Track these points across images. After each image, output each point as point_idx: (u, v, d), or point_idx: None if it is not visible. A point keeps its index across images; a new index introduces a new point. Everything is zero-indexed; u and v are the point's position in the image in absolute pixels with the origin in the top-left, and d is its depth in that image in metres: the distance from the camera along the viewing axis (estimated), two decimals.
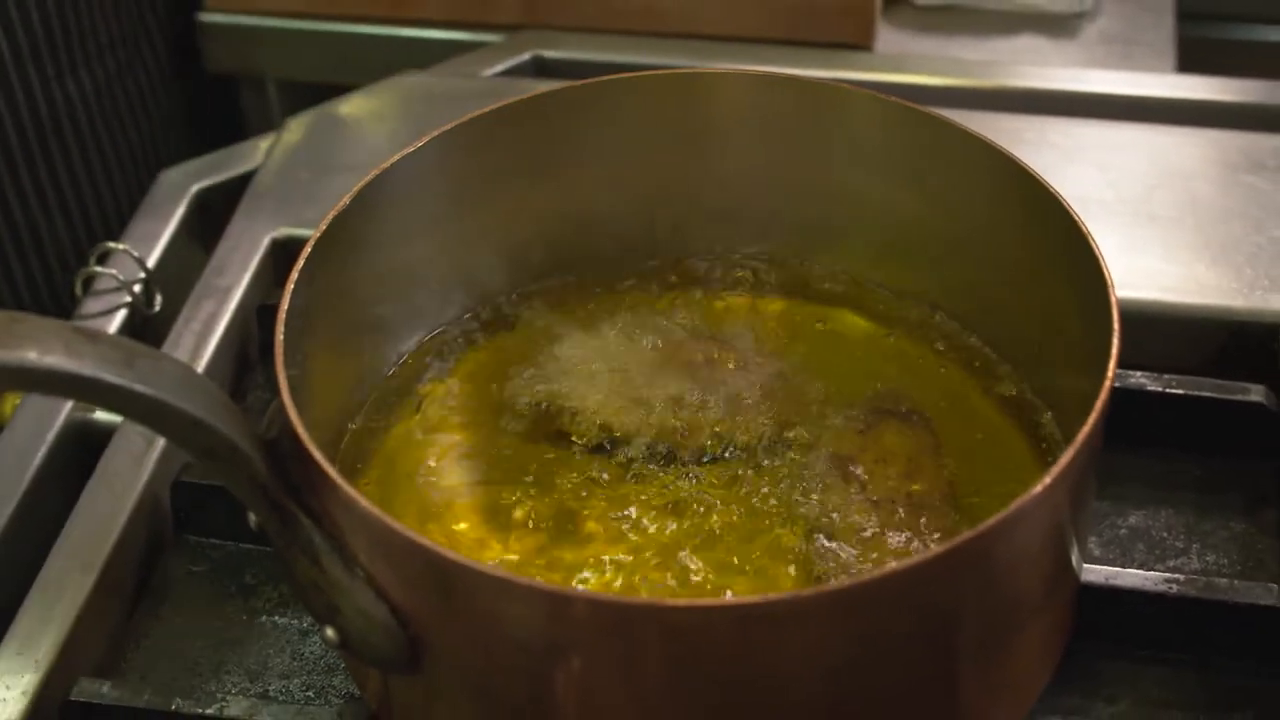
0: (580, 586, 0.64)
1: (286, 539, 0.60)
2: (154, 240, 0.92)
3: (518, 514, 0.68)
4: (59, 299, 1.15)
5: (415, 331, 0.76)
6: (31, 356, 0.52)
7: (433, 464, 0.71)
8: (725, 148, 0.78)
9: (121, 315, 0.86)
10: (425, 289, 0.75)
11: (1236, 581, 0.71)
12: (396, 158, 0.70)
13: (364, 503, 0.56)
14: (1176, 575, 0.70)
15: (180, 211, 0.94)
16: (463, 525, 0.68)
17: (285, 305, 0.63)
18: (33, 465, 0.77)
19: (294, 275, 0.64)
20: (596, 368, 0.73)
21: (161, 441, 0.77)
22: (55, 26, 1.10)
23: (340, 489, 0.56)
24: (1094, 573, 0.70)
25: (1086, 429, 0.57)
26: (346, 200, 0.68)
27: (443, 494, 0.69)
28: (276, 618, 0.73)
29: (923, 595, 0.55)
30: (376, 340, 0.74)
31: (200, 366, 0.82)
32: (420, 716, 0.63)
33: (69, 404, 0.80)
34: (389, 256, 0.72)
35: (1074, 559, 0.64)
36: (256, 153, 0.98)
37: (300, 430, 0.58)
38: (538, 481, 0.69)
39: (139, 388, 0.54)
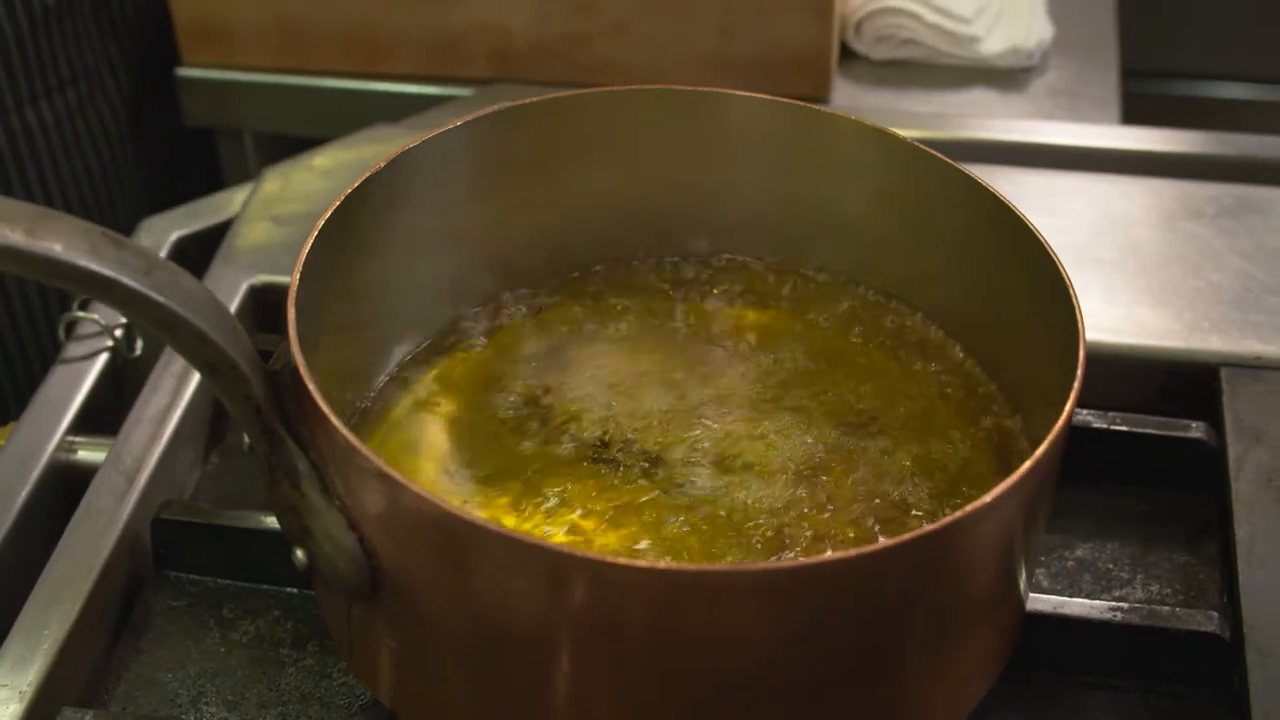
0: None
1: (273, 461, 0.63)
2: None
3: (501, 500, 0.71)
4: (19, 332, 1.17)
5: (416, 326, 0.78)
6: (58, 249, 0.55)
7: (424, 451, 0.73)
8: (721, 163, 0.81)
9: (103, 359, 0.88)
10: (429, 283, 0.78)
11: (1178, 609, 0.73)
12: (415, 142, 0.73)
13: (344, 432, 0.59)
14: (1121, 604, 0.73)
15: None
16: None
17: (305, 252, 0.65)
18: (17, 503, 0.79)
19: (312, 235, 0.67)
20: (588, 368, 0.76)
21: (142, 480, 0.79)
22: (15, 59, 1.12)
23: (326, 417, 0.59)
24: (1042, 602, 0.72)
25: (1043, 448, 0.60)
26: (357, 183, 0.70)
27: (430, 479, 0.72)
28: (254, 650, 0.75)
29: (857, 590, 0.58)
30: (377, 333, 0.76)
31: (180, 408, 0.83)
32: (374, 645, 0.66)
33: (53, 443, 0.82)
34: (397, 247, 0.75)
35: (1021, 580, 0.66)
36: (234, 202, 1.00)
37: (298, 357, 0.60)
38: (522, 473, 0.72)
39: (154, 295, 0.57)
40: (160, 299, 0.57)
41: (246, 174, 1.23)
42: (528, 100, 0.77)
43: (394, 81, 1.22)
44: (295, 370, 0.61)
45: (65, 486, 0.81)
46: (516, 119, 0.77)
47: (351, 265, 0.72)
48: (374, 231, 0.73)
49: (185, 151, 1.31)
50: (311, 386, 0.60)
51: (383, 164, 0.71)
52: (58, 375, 0.87)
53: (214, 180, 1.28)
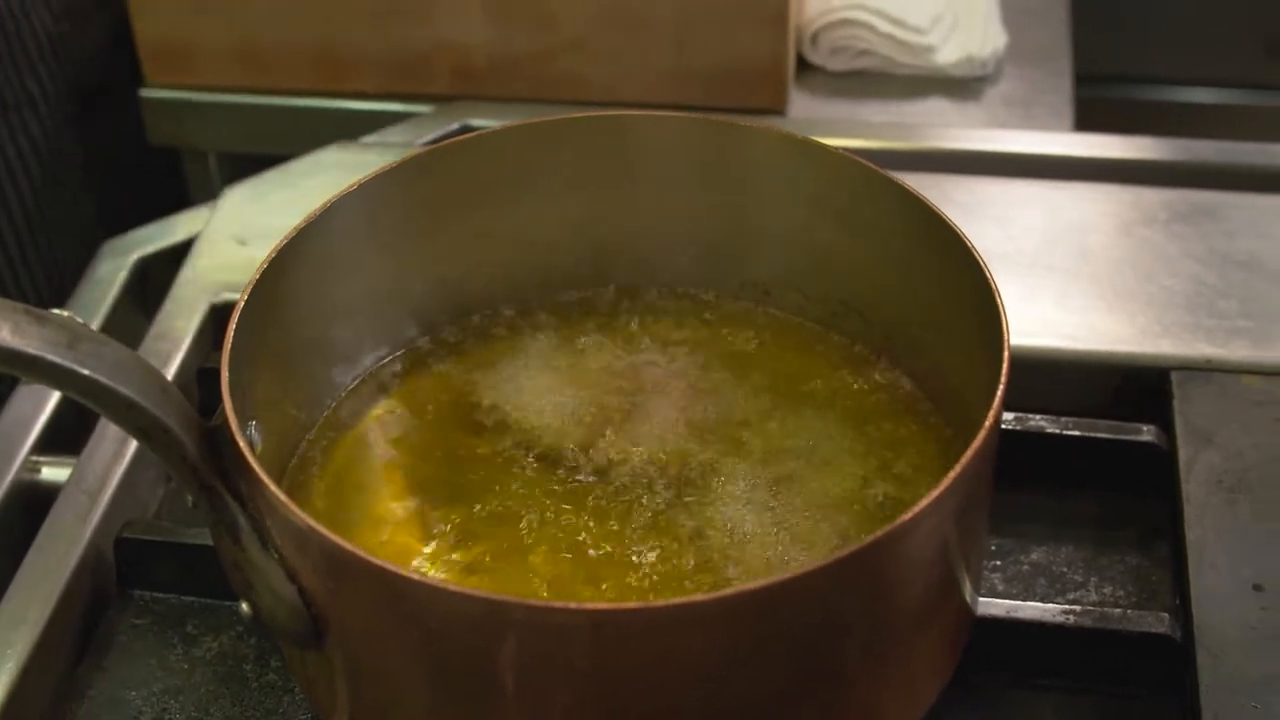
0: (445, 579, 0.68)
1: (214, 518, 0.63)
2: (97, 306, 0.95)
3: (449, 521, 0.72)
4: None
5: (364, 356, 0.79)
6: None
7: (378, 476, 0.75)
8: (660, 186, 0.81)
9: None
10: (374, 315, 0.79)
11: (1130, 611, 0.74)
12: (350, 188, 0.74)
13: (273, 488, 0.59)
14: (1074, 607, 0.73)
15: (122, 278, 0.97)
16: (401, 531, 0.72)
17: (241, 305, 0.66)
18: None
19: (250, 285, 0.68)
20: (531, 397, 0.78)
21: (105, 499, 0.80)
22: None
23: (255, 473, 0.60)
24: (996, 606, 0.73)
25: (965, 460, 0.60)
26: (303, 223, 0.72)
27: (385, 503, 0.73)
28: (217, 667, 0.75)
29: (786, 613, 0.58)
30: (326, 363, 0.77)
31: None
32: (325, 690, 0.67)
33: (16, 464, 0.83)
34: (338, 283, 0.75)
35: (964, 587, 0.67)
36: (196, 221, 1.01)
37: (230, 415, 0.61)
38: (470, 493, 0.73)
39: (78, 368, 0.58)
40: (85, 372, 0.58)
41: (212, 193, 1.22)
42: (440, 145, 0.78)
43: (357, 99, 1.22)
44: (226, 424, 0.62)
45: (29, 506, 0.82)
46: (424, 165, 0.77)
47: (287, 315, 0.72)
48: (307, 282, 0.73)
49: (151, 171, 1.31)
50: (243, 445, 0.61)
51: (304, 223, 0.72)
52: (21, 395, 0.88)
53: (180, 199, 1.29)
